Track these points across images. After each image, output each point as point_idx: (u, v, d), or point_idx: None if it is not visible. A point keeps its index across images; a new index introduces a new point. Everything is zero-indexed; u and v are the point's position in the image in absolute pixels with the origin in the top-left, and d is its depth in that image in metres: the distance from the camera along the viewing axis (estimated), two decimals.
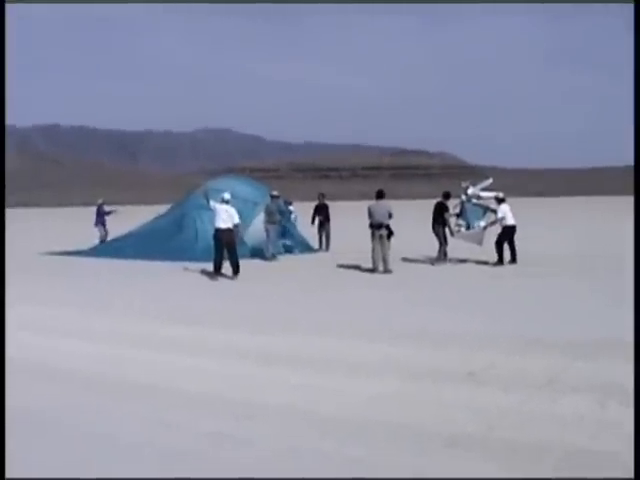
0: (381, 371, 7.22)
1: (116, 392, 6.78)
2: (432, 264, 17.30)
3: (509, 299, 12.04)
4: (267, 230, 19.64)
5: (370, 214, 16.44)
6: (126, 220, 26.10)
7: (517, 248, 17.29)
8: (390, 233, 16.29)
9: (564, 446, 5.02)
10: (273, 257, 19.40)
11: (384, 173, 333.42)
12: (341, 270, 16.92)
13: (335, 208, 26.57)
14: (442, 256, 17.53)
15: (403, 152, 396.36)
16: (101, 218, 26.90)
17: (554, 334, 8.70)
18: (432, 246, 18.11)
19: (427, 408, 6.01)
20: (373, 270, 16.02)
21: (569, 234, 28.04)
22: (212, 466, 4.84)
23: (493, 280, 14.55)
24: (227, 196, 16.20)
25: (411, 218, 28.49)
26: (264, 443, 5.25)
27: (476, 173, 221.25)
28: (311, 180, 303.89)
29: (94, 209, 27.39)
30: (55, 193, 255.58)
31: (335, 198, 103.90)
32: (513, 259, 17.13)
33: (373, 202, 16.68)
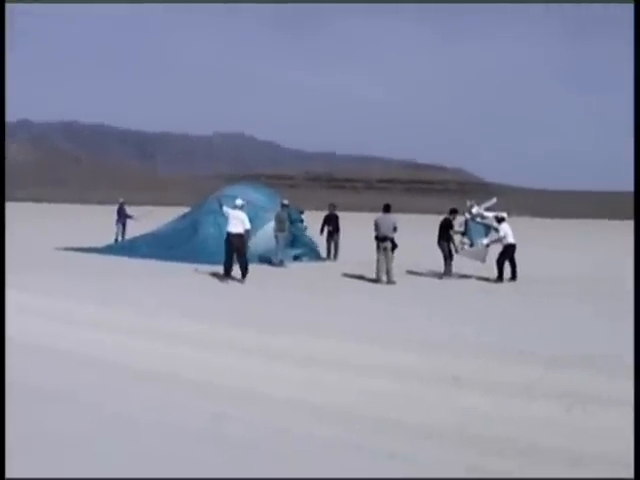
0: (373, 371, 7.85)
1: (125, 376, 7.44)
2: (440, 278, 17.83)
3: (502, 313, 12.64)
4: (276, 237, 20.28)
5: (376, 227, 17.09)
6: (147, 223, 26.75)
7: (521, 267, 17.82)
8: (394, 246, 16.90)
9: (528, 441, 5.62)
10: (281, 263, 20.03)
11: (399, 186, 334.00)
12: (346, 279, 17.53)
13: (348, 219, 27.14)
14: (449, 271, 18.07)
15: (419, 166, 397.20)
16: (122, 218, 27.74)
17: (537, 347, 9.29)
18: (437, 261, 18.68)
19: (411, 405, 6.63)
20: (377, 280, 16.63)
21: (575, 256, 28.47)
22: (215, 441, 5.49)
23: (490, 295, 15.14)
24: (239, 202, 16.91)
25: (422, 232, 29.02)
26: (262, 424, 5.92)
27: (491, 191, 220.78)
28: (326, 190, 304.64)
29: (111, 208, 28.18)
30: (71, 190, 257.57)
31: (349, 209, 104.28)
32: (513, 276, 17.68)
33: (380, 215, 17.33)
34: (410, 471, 4.98)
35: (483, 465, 5.11)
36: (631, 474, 4.85)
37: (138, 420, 5.99)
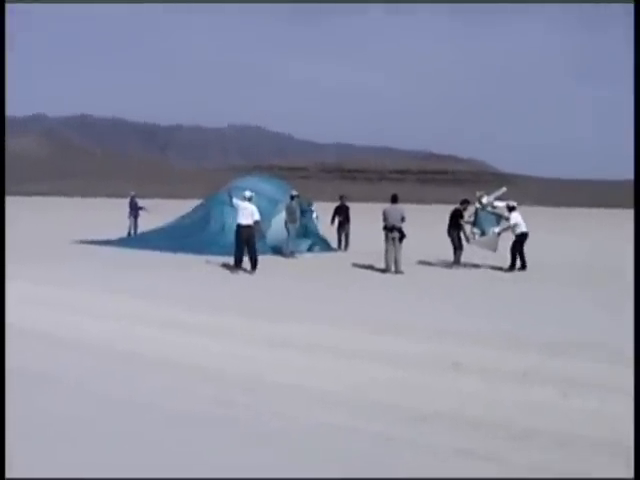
0: (378, 359, 8.01)
1: (133, 364, 7.65)
2: (449, 267, 17.98)
3: (509, 302, 12.78)
4: (287, 228, 20.46)
5: (384, 217, 17.24)
6: (157, 216, 27.09)
7: (528, 255, 17.86)
8: (402, 236, 17.04)
9: (523, 425, 5.79)
10: (292, 254, 20.21)
11: (412, 177, 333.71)
12: (356, 269, 17.71)
13: (360, 210, 27.25)
14: (458, 260, 18.21)
15: (432, 156, 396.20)
16: (134, 211, 27.98)
17: (539, 334, 9.46)
18: (447, 251, 18.80)
19: (411, 390, 6.80)
20: (385, 270, 16.80)
21: (587, 245, 28.54)
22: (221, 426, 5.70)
23: (499, 284, 15.26)
24: (249, 194, 17.09)
25: (434, 223, 29.15)
26: (266, 409, 6.11)
27: (505, 180, 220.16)
28: (339, 181, 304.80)
29: (123, 201, 28.43)
30: (84, 183, 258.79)
31: (362, 200, 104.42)
32: (523, 266, 17.75)
33: (388, 205, 17.49)
34: (406, 453, 5.17)
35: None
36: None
37: (146, 406, 6.19)
